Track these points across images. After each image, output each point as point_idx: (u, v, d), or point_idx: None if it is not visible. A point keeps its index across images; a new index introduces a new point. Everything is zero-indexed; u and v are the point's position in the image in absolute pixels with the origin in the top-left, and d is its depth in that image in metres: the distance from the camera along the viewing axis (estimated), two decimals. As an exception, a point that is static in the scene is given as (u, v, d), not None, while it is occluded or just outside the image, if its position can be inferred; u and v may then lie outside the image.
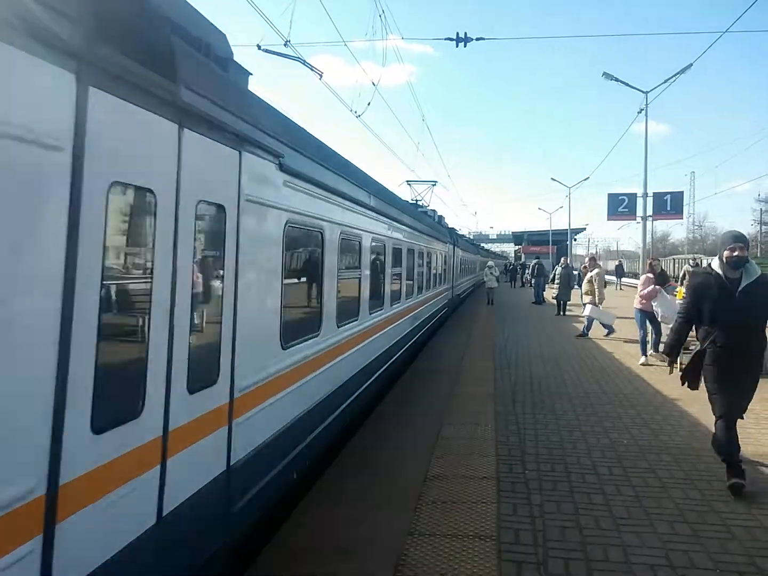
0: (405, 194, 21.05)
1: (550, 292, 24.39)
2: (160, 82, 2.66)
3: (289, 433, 4.58)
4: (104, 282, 2.43)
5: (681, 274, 20.49)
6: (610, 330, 15.08)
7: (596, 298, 14.98)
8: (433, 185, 22.80)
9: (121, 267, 2.68)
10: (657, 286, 11.07)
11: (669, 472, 5.64)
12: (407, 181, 22.28)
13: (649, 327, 11.80)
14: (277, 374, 4.30)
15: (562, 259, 21.63)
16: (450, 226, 27.54)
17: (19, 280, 2.01)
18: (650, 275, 11.38)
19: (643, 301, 11.31)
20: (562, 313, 20.59)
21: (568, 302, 20.88)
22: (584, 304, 15.51)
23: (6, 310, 1.96)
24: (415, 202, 19.94)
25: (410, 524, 4.53)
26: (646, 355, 11.45)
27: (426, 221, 14.47)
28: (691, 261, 19.83)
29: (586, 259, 18.77)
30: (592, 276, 15.27)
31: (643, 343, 11.68)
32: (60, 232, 2.17)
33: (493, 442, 6.49)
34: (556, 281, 20.65)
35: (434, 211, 20.58)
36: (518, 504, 4.89)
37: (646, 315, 11.40)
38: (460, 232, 41.09)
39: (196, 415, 3.15)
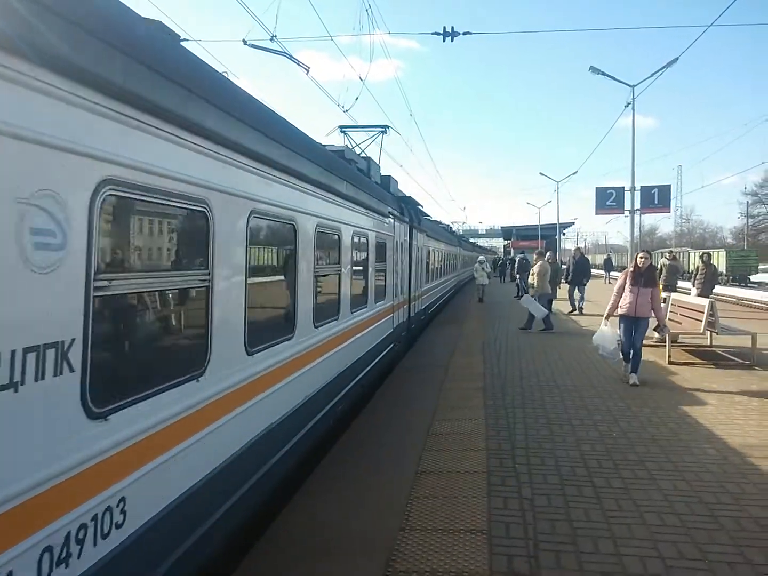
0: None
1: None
2: None
3: None
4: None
5: (658, 269, 19.87)
6: (531, 324, 15.39)
7: (535, 290, 15.79)
8: (383, 132, 14.56)
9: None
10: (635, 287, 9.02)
11: (658, 463, 5.68)
12: (340, 127, 14.07)
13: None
14: None
15: (548, 253, 19.12)
16: (435, 218, 20.65)
17: None
18: (630, 269, 9.32)
19: (625, 304, 9.14)
20: (549, 310, 19.09)
21: (554, 300, 18.60)
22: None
23: None
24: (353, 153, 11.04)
25: (402, 520, 4.53)
26: (636, 372, 9.10)
27: (324, 159, 6.40)
28: (667, 254, 18.66)
29: (534, 254, 18.97)
30: (533, 269, 16.26)
31: (628, 358, 9.23)
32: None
33: (483, 437, 6.51)
34: None
35: (368, 159, 11.95)
36: (509, 498, 4.91)
37: (630, 321, 9.11)
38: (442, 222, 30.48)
39: None
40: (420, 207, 18.31)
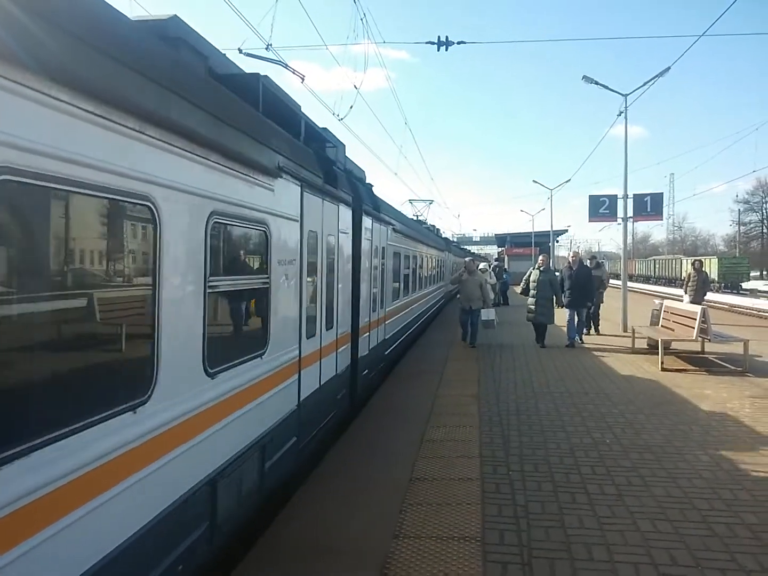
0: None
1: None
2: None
3: None
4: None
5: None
6: (491, 326, 14.38)
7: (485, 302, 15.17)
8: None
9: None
10: None
11: (651, 470, 5.69)
12: None
13: None
14: None
15: (540, 257, 14.37)
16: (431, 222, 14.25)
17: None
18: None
19: None
20: (541, 342, 13.76)
21: (550, 324, 13.93)
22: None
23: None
24: None
25: (396, 526, 4.53)
26: None
27: None
28: (590, 261, 16.84)
29: (481, 264, 18.28)
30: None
31: None
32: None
33: (477, 444, 6.52)
34: (532, 291, 13.60)
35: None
36: (503, 505, 4.91)
37: None
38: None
39: None
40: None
